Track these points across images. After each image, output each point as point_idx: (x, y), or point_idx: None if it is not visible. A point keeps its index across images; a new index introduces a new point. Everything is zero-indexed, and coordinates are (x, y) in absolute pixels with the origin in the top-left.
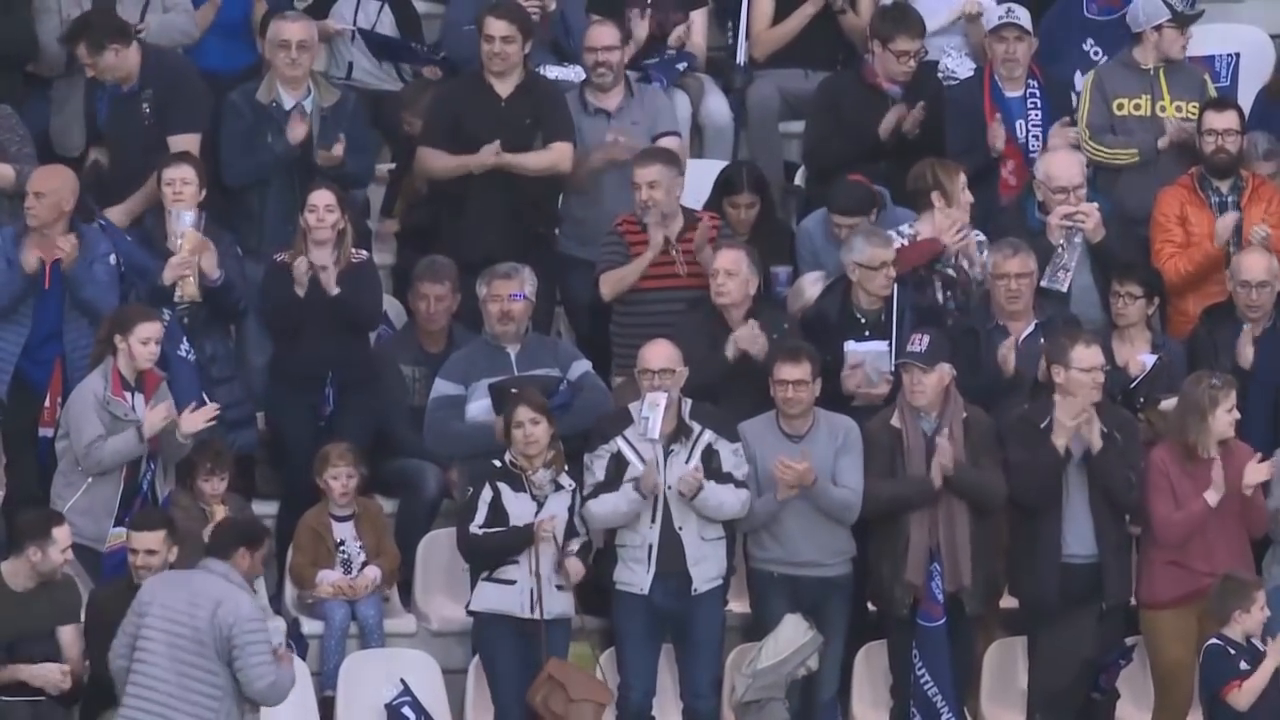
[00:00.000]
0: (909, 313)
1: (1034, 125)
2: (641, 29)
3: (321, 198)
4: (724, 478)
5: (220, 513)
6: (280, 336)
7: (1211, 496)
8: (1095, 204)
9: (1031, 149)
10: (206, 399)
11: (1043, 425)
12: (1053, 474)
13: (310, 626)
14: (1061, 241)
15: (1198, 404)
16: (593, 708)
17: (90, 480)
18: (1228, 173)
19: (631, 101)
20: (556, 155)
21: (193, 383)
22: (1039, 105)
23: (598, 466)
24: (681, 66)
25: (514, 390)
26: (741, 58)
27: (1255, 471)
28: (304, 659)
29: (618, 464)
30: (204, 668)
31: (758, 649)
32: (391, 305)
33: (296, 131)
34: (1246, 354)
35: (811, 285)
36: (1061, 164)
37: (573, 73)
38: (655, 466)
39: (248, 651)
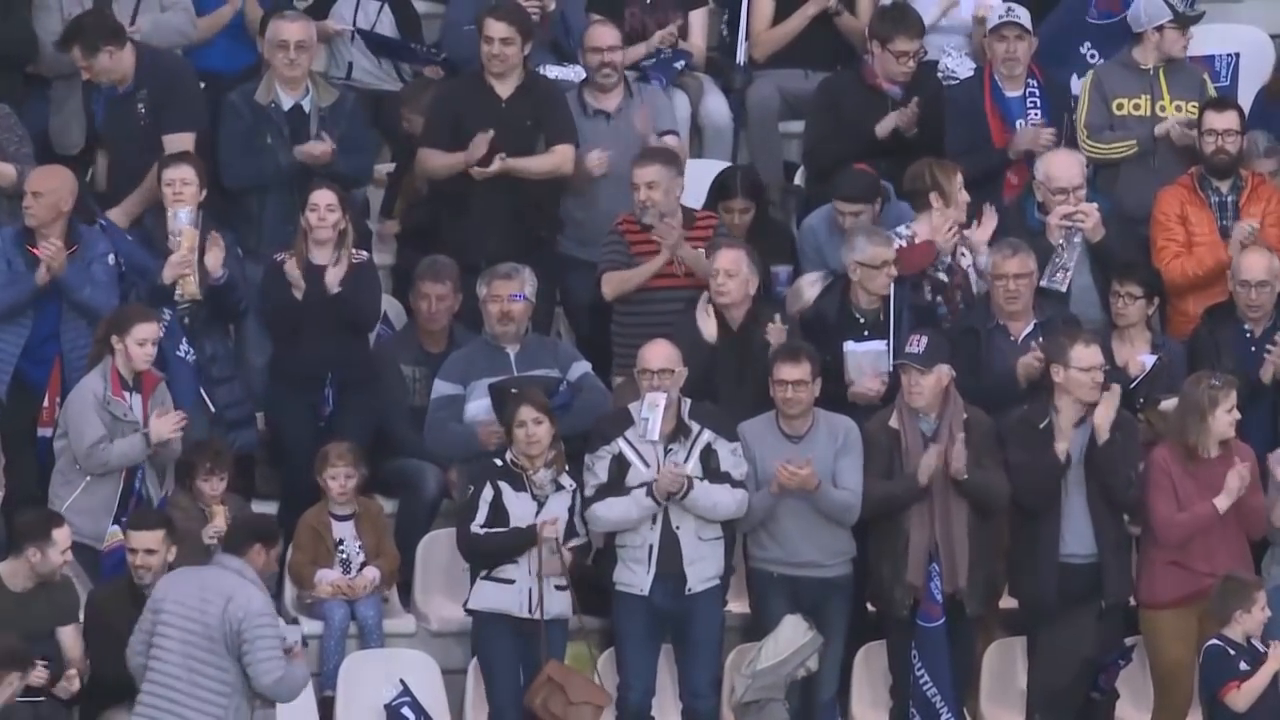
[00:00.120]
0: (907, 312)
1: (1034, 125)
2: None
3: (323, 197)
4: (721, 477)
5: (219, 513)
6: (280, 336)
7: (1222, 502)
8: (1095, 204)
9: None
10: (206, 398)
11: (1042, 426)
12: (1053, 477)
13: (310, 626)
14: (1061, 241)
15: (1198, 404)
16: (591, 710)
17: (88, 479)
18: (1227, 173)
19: (630, 102)
20: (558, 158)
21: (192, 383)
22: (1039, 105)
23: (599, 467)
24: (679, 65)
25: (514, 390)
26: (741, 58)
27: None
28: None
29: (619, 465)
30: (214, 664)
31: (757, 649)
32: (391, 305)
33: (309, 156)
34: (1268, 372)
35: (810, 286)
36: (1061, 164)
37: (573, 72)
38: (671, 473)
39: (257, 646)
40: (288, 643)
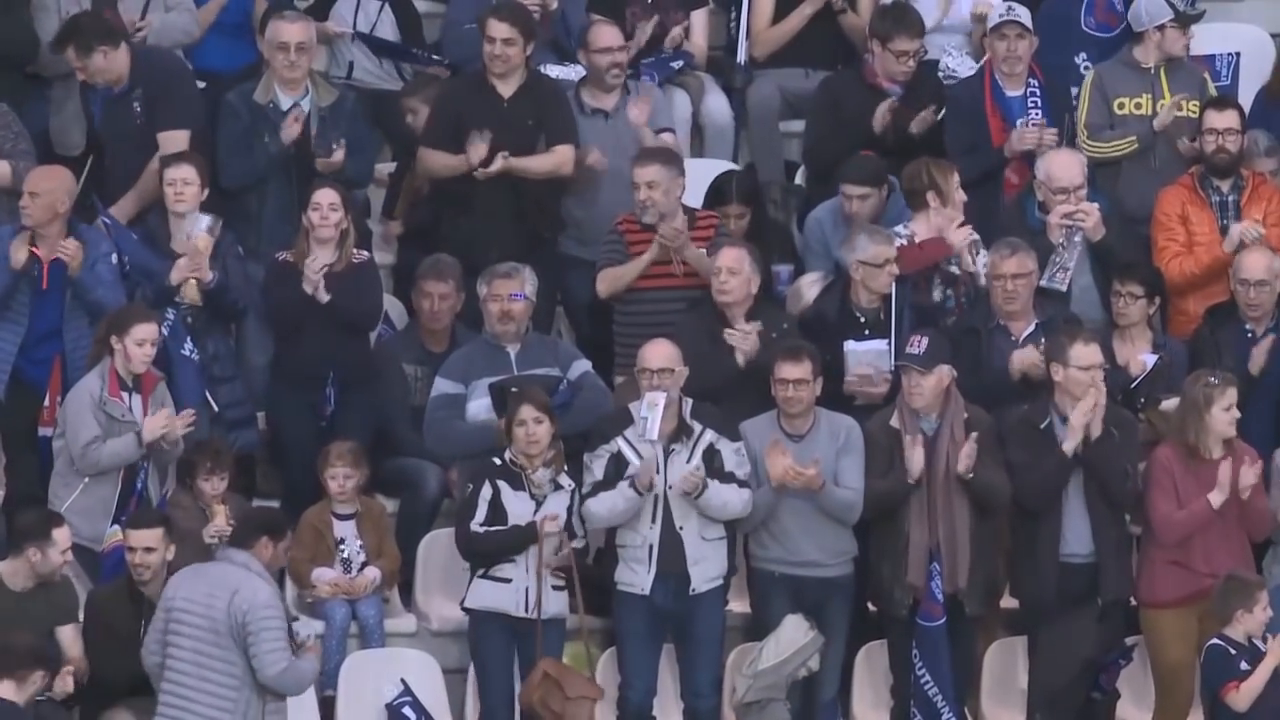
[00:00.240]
0: (908, 311)
1: (1034, 124)
2: (646, 31)
3: (325, 196)
4: (726, 477)
5: (220, 512)
6: (281, 336)
7: (1215, 498)
8: (1095, 204)
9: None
10: (210, 398)
11: (1042, 426)
12: (1058, 478)
13: (311, 626)
14: (1061, 241)
15: (1195, 402)
16: (588, 705)
17: (87, 480)
18: (1228, 172)
19: (627, 100)
20: (559, 158)
21: (196, 382)
22: (1039, 104)
23: (597, 466)
24: (676, 65)
25: (515, 389)
26: (742, 57)
27: (1244, 474)
28: None
29: (617, 464)
30: (221, 657)
31: (758, 650)
32: (392, 305)
33: (289, 131)
34: (1258, 361)
35: (810, 286)
36: (1062, 164)
37: (573, 72)
38: (653, 464)
39: (261, 638)
40: (301, 636)
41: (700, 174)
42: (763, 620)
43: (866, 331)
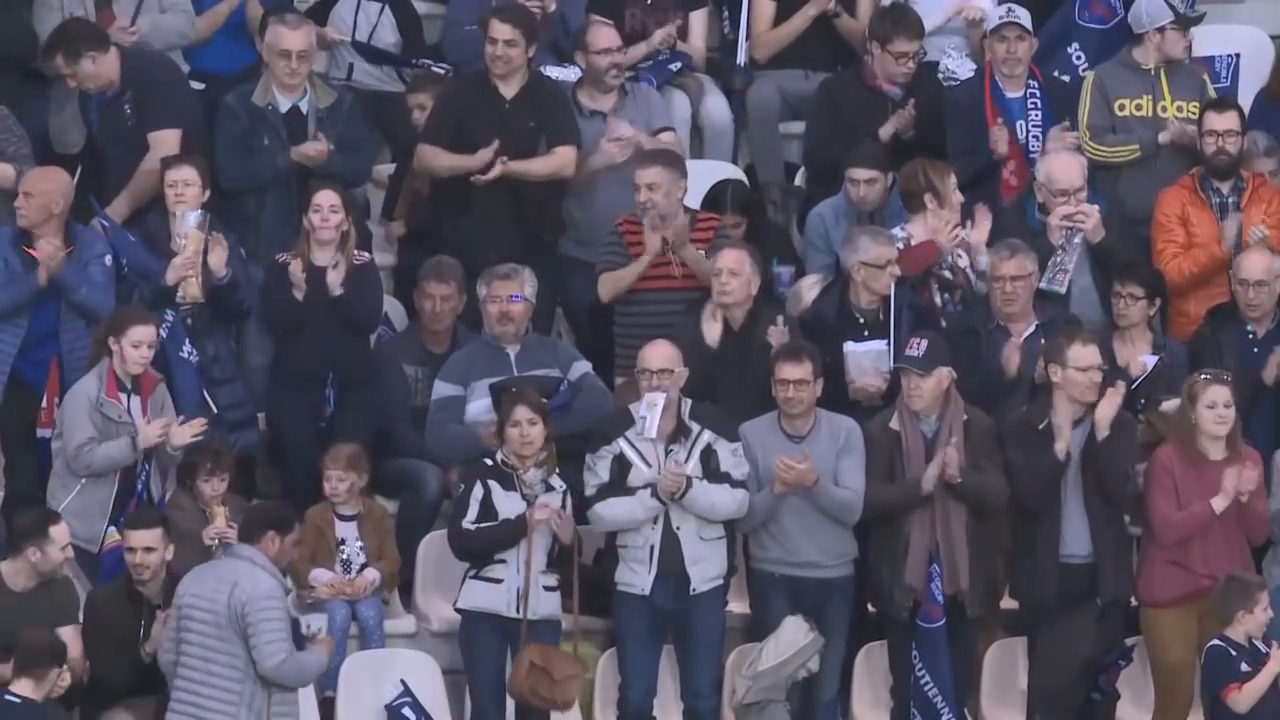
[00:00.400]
0: (907, 312)
1: (1034, 125)
2: (657, 34)
3: (326, 198)
4: (721, 477)
5: (220, 513)
6: (281, 337)
7: (1218, 503)
8: (1095, 205)
9: (1032, 149)
10: (209, 399)
11: (1040, 427)
12: (1052, 479)
13: (301, 628)
14: (1061, 243)
15: (1185, 399)
16: (574, 683)
17: (84, 481)
18: (1228, 173)
19: (625, 101)
20: (560, 160)
21: (195, 384)
22: (1039, 106)
23: (600, 467)
24: (674, 67)
25: (513, 389)
26: (742, 58)
27: (1245, 479)
28: None
29: (620, 465)
30: (224, 650)
31: (758, 651)
32: (393, 306)
33: (304, 157)
34: (1271, 371)
35: (809, 288)
36: (1062, 166)
37: (572, 73)
38: (680, 473)
39: (259, 629)
40: (312, 630)
41: (700, 175)
42: (762, 621)
43: (866, 332)
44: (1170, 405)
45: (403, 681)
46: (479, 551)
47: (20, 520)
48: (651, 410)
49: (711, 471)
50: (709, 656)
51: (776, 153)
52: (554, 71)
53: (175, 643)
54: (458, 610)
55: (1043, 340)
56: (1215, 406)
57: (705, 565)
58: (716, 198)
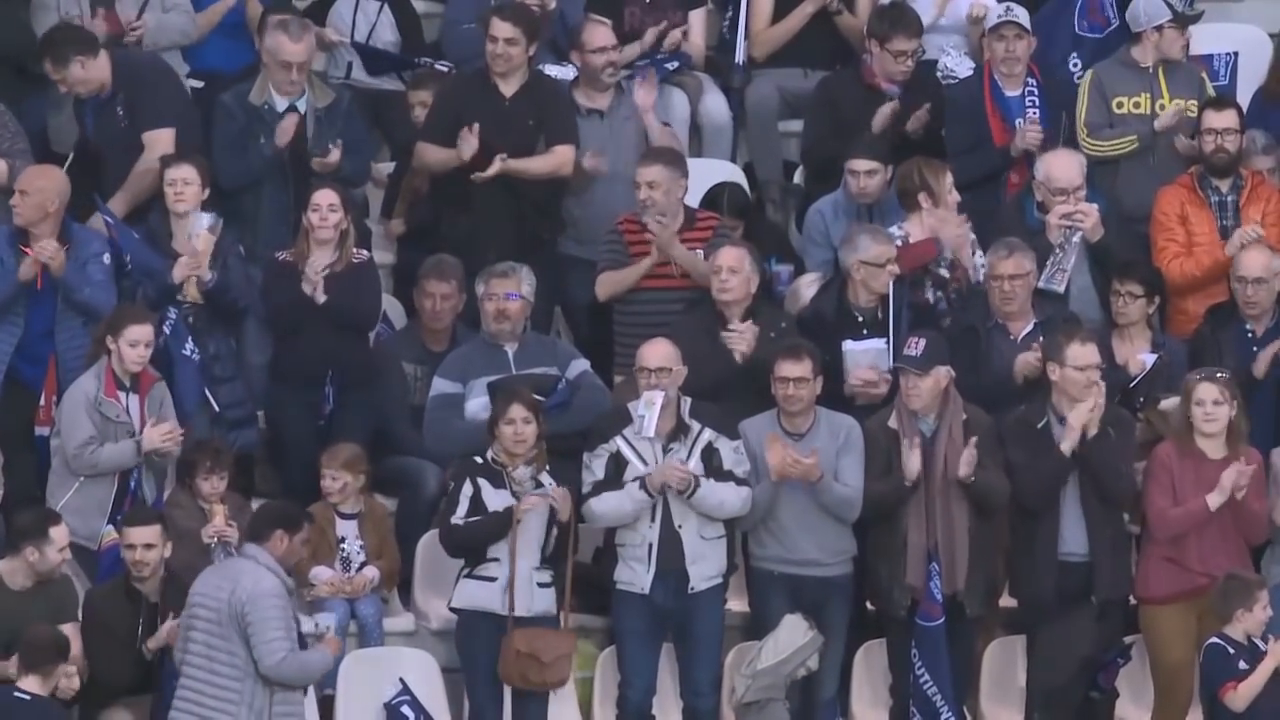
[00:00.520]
0: (906, 310)
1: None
2: (651, 33)
3: (325, 197)
4: (725, 475)
5: (219, 512)
6: (280, 335)
7: (1214, 500)
8: (1094, 204)
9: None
10: (210, 398)
11: (1039, 426)
12: (1056, 478)
13: (309, 626)
14: (1060, 242)
15: (1184, 397)
16: (566, 662)
17: (82, 479)
18: (1227, 172)
19: (622, 99)
20: (558, 159)
21: (196, 382)
22: (1038, 104)
23: (597, 465)
24: (672, 66)
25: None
26: (740, 57)
27: (1233, 475)
28: None
29: (617, 463)
30: (225, 649)
31: (757, 649)
32: (392, 305)
33: (284, 134)
34: (1262, 366)
35: (808, 287)
36: (1062, 165)
37: (571, 72)
38: (668, 466)
39: (258, 627)
40: (320, 629)
41: (699, 174)
42: (762, 619)
43: (864, 331)
44: (1169, 404)
45: (401, 680)
46: (468, 546)
47: (20, 519)
48: (650, 409)
49: (714, 470)
50: (708, 655)
51: (775, 151)
52: (553, 70)
53: (185, 640)
54: (452, 609)
55: (1042, 339)
56: (1204, 404)
57: (705, 564)
58: (714, 201)
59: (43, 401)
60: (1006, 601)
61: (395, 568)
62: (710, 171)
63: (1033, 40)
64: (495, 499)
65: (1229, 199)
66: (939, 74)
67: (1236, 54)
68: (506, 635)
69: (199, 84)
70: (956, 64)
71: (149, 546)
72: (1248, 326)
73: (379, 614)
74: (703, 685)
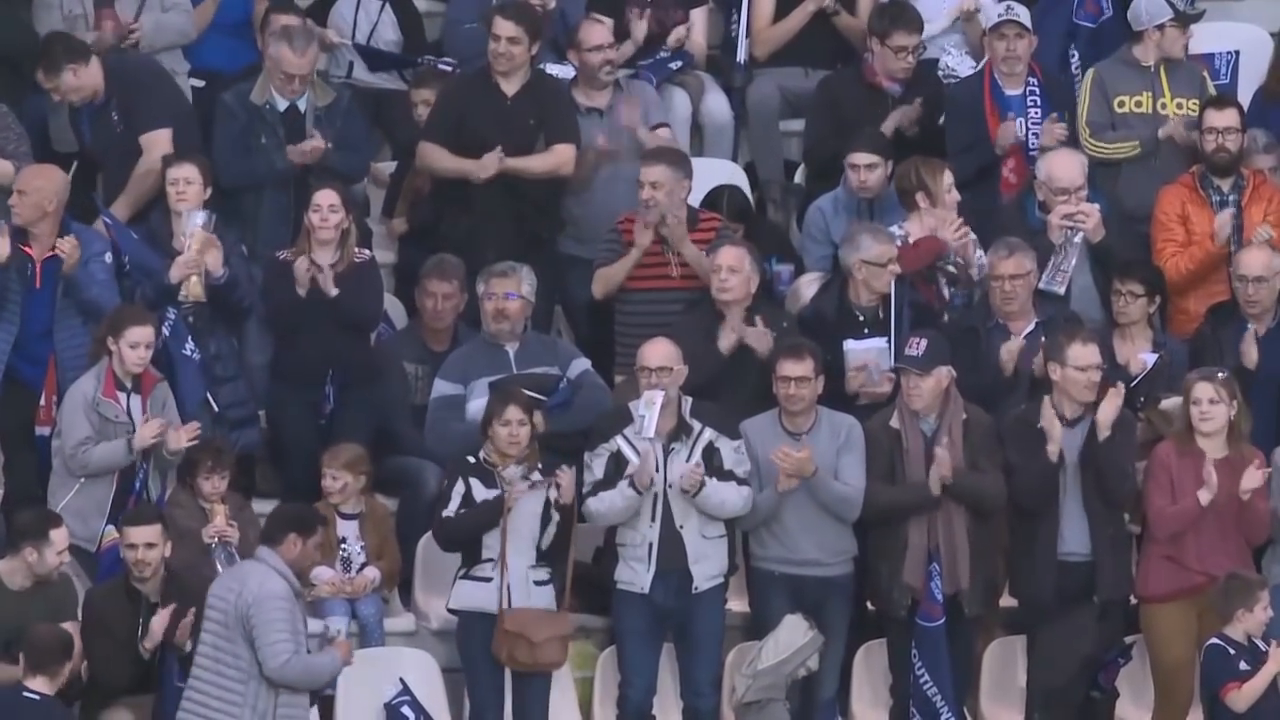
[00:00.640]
0: (907, 309)
1: (1034, 123)
2: (640, 29)
3: (326, 197)
4: (725, 475)
5: (220, 512)
6: (281, 335)
7: (1203, 496)
8: (1096, 205)
9: (1031, 146)
10: (210, 398)
11: (1038, 426)
12: (1047, 479)
13: (310, 626)
14: (1061, 243)
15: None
16: (559, 643)
17: (83, 480)
18: (1228, 171)
19: (621, 98)
20: (559, 158)
21: (197, 382)
22: (1039, 103)
23: (597, 465)
24: (675, 66)
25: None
26: (742, 56)
27: (1250, 477)
28: None
29: (617, 463)
30: (230, 650)
31: (758, 650)
32: (393, 304)
33: (301, 156)
34: (1251, 354)
35: (808, 287)
36: (1063, 165)
37: (571, 71)
38: (651, 462)
39: (262, 629)
40: (330, 632)
41: (700, 173)
42: (762, 619)
43: (865, 330)
44: (1170, 403)
45: (402, 680)
46: (461, 538)
47: (21, 519)
48: (650, 408)
49: (715, 469)
50: (709, 655)
51: (776, 150)
52: (553, 69)
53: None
54: (450, 611)
55: (1043, 338)
56: (1199, 403)
57: (707, 563)
58: (714, 203)
59: (43, 401)
60: (1007, 601)
61: (396, 568)
62: (711, 171)
63: (1034, 39)
64: (486, 496)
65: (1230, 198)
66: (940, 73)
67: (1238, 53)
68: (496, 621)
69: (200, 83)
70: (957, 63)
71: (150, 546)
72: (1249, 325)
73: (379, 614)
74: (703, 685)
